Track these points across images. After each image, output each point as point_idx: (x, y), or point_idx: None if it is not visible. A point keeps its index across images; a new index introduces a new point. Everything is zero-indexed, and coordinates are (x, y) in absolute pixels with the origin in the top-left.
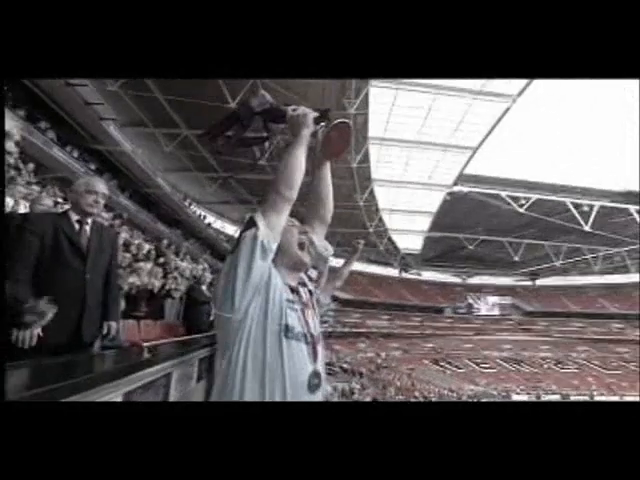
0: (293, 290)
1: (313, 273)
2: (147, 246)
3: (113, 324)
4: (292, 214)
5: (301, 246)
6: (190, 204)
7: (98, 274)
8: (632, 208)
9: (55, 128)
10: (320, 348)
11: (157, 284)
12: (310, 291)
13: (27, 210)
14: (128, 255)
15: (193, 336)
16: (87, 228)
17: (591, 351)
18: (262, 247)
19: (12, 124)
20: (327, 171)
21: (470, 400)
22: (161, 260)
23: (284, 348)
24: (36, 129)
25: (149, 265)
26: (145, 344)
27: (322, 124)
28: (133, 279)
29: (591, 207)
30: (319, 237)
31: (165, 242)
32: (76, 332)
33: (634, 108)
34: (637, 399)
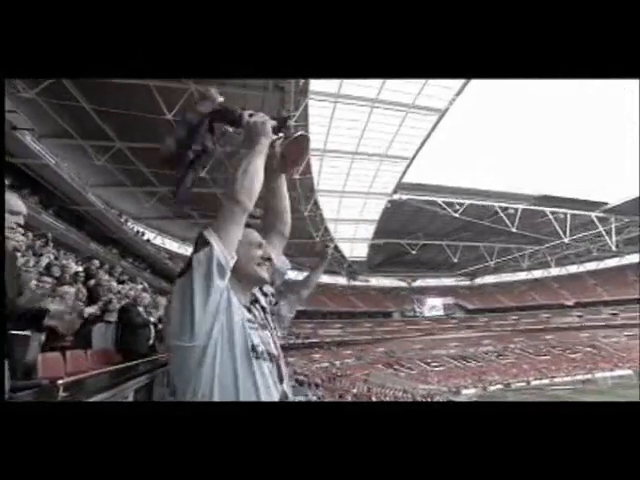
0: (248, 309)
1: (269, 289)
2: (74, 267)
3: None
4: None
5: (259, 261)
6: (127, 220)
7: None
8: (547, 210)
9: None
10: (283, 367)
11: (86, 309)
12: (263, 308)
13: None
14: (49, 279)
15: (129, 364)
16: None
17: (525, 341)
18: (219, 266)
19: None
20: (283, 184)
21: (424, 400)
22: (92, 282)
23: (255, 370)
24: None
25: (74, 289)
26: (61, 381)
27: (280, 134)
28: (56, 306)
29: (516, 210)
30: (278, 251)
31: (97, 262)
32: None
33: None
34: (564, 379)
